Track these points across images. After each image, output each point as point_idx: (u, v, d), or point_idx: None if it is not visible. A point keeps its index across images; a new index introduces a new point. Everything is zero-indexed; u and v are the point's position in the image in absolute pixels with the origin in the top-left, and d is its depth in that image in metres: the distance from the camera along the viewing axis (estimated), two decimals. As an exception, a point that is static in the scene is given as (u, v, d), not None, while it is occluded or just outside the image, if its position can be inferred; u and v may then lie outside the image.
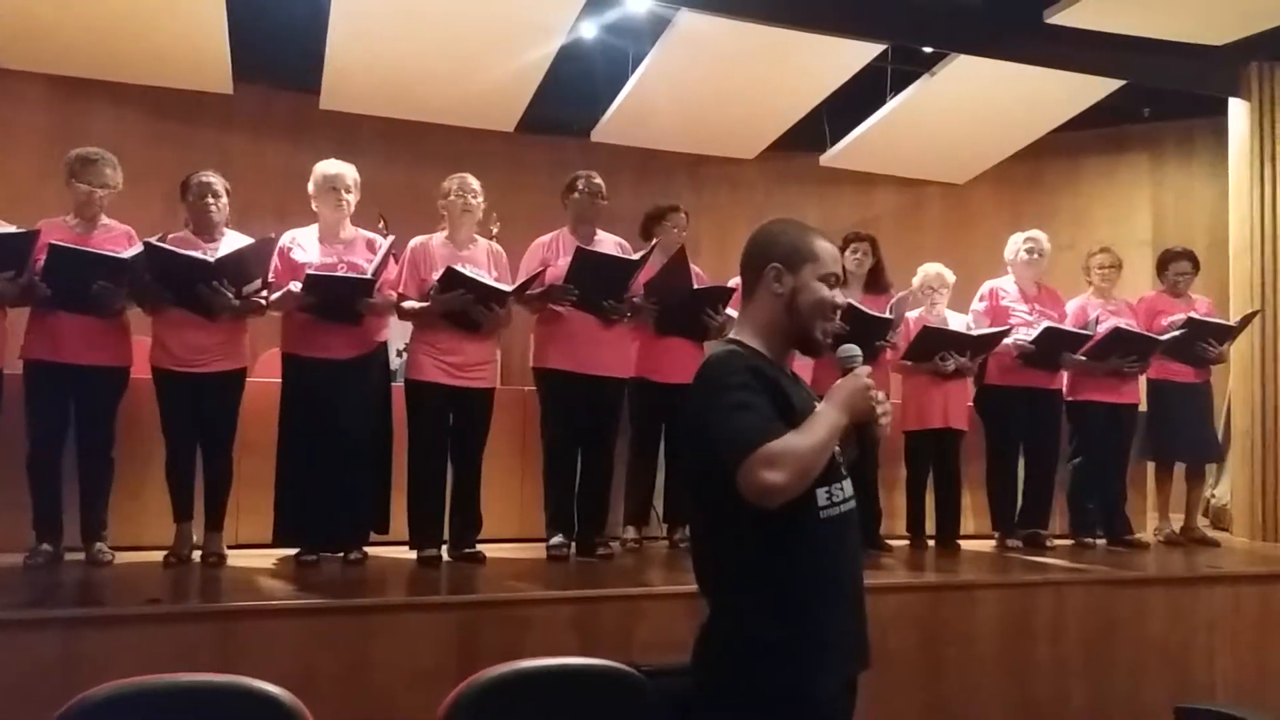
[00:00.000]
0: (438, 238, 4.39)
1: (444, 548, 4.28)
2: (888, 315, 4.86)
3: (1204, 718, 2.63)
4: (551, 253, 4.54)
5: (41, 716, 1.78)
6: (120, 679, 1.81)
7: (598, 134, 7.48)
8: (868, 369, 1.92)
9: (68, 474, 4.03)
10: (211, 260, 3.95)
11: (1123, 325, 5.26)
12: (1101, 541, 5.36)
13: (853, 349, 1.95)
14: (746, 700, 1.86)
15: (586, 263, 4.36)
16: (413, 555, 4.23)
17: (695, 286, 4.71)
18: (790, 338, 2.00)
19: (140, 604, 3.21)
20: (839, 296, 2.00)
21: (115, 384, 4.10)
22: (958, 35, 6.13)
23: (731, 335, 2.03)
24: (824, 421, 1.83)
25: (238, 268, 4.01)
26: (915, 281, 5.31)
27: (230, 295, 3.98)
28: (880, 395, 1.89)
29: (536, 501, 4.60)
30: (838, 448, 1.93)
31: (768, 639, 1.85)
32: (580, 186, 4.59)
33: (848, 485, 1.97)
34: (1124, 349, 5.23)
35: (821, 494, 1.88)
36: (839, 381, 1.90)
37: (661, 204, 5.02)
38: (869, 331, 4.74)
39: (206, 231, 4.19)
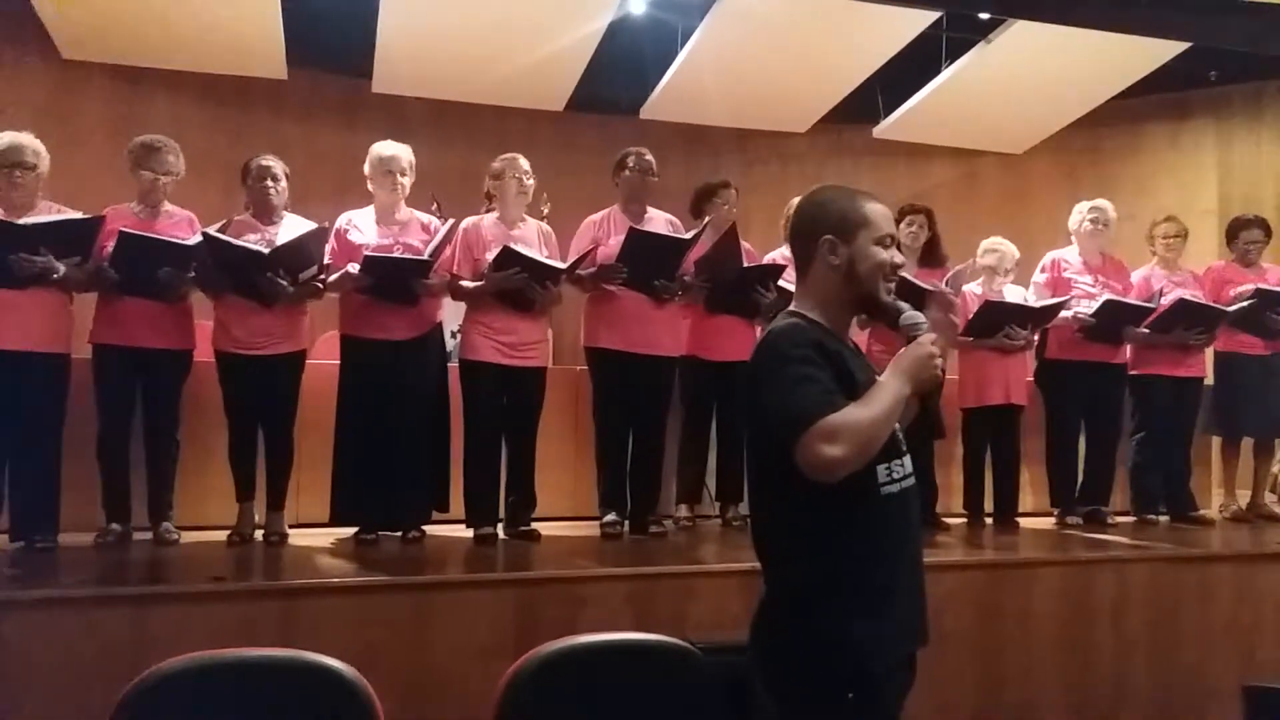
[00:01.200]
0: (489, 218, 4.41)
1: (499, 526, 4.32)
2: (943, 289, 4.79)
3: (1274, 696, 2.58)
4: (603, 231, 4.54)
5: (112, 690, 1.83)
6: (186, 654, 1.86)
7: (647, 111, 7.44)
8: (932, 335, 1.87)
9: (135, 456, 4.13)
10: (266, 251, 4.01)
11: (1187, 296, 5.12)
12: (1164, 518, 5.26)
13: (917, 316, 1.92)
14: (806, 677, 1.86)
15: (638, 242, 4.35)
16: (469, 533, 4.27)
17: (745, 264, 4.68)
18: (853, 306, 1.98)
19: (205, 582, 3.28)
20: (897, 256, 1.96)
21: (180, 367, 4.19)
22: (1014, 0, 5.98)
23: (791, 308, 2.00)
24: (887, 393, 1.80)
25: (292, 256, 4.07)
26: (980, 258, 5.20)
27: (285, 283, 4.04)
28: (941, 362, 1.86)
29: (590, 480, 4.63)
30: (897, 423, 1.90)
31: (827, 616, 1.84)
32: (630, 164, 4.58)
33: (908, 461, 1.94)
34: (1189, 321, 5.10)
35: (882, 470, 1.86)
36: (902, 350, 1.87)
37: (712, 181, 4.97)
38: (921, 306, 4.66)
39: (266, 215, 4.25)
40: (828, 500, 1.81)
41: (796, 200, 2.04)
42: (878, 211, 1.96)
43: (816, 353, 1.84)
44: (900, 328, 1.92)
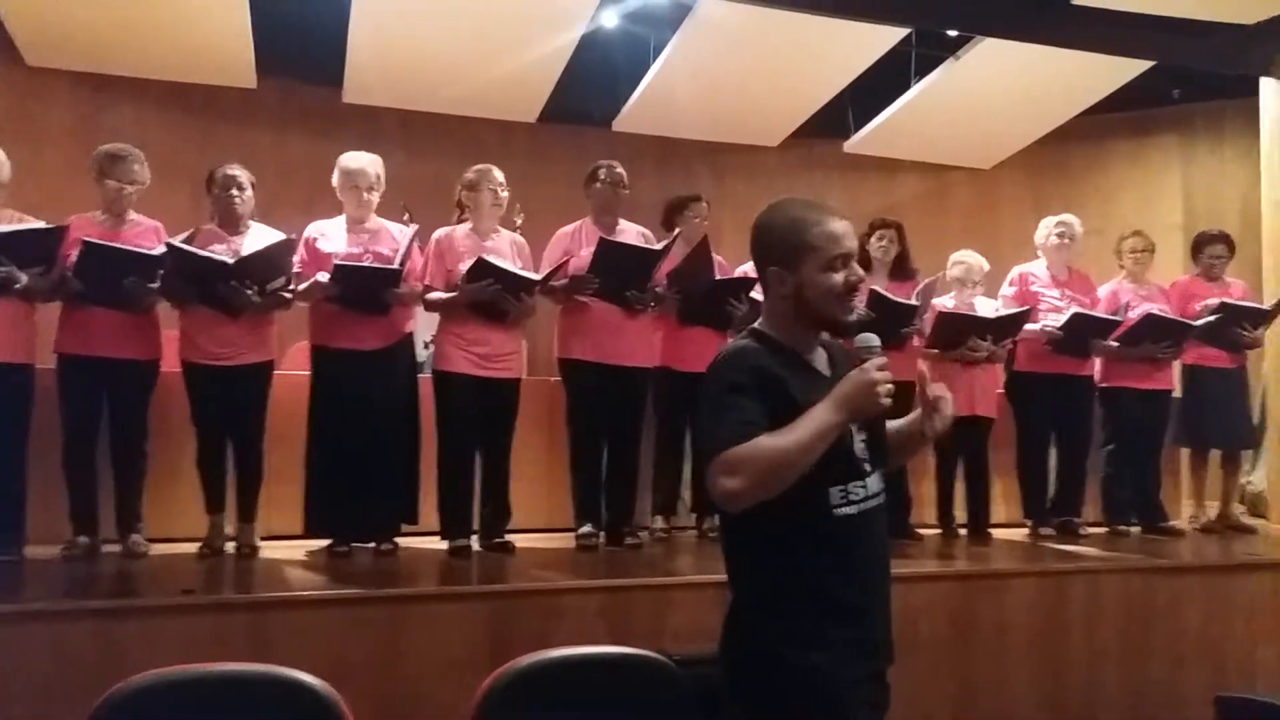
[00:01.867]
0: (462, 229, 4.39)
1: (474, 538, 4.29)
2: (913, 302, 4.82)
3: (1245, 707, 2.60)
4: (575, 243, 4.53)
5: (79, 706, 1.79)
6: (156, 669, 1.82)
7: (619, 123, 7.46)
8: (880, 361, 1.80)
9: (102, 467, 4.06)
10: (230, 261, 3.97)
11: (1155, 310, 5.19)
12: (1136, 529, 5.30)
13: (870, 338, 1.85)
14: (765, 693, 1.86)
15: (609, 253, 4.35)
16: (443, 545, 4.23)
17: (717, 276, 4.69)
18: (813, 326, 1.94)
19: (175, 595, 3.23)
20: (852, 275, 1.89)
21: (146, 377, 4.13)
22: (982, 18, 6.05)
23: (755, 325, 1.99)
24: (810, 421, 1.75)
25: (259, 267, 4.03)
26: (949, 270, 5.24)
27: (251, 294, 4.00)
28: (889, 388, 1.78)
29: (564, 491, 4.60)
30: (862, 443, 1.89)
31: (779, 634, 1.84)
32: (602, 176, 4.58)
33: (873, 482, 1.91)
34: (1156, 335, 5.17)
35: (835, 493, 1.85)
36: (847, 375, 1.81)
37: (683, 194, 4.99)
38: (894, 319, 4.70)
39: (232, 224, 4.21)
40: (776, 520, 1.81)
41: (765, 211, 2.00)
42: (825, 234, 1.88)
43: (753, 378, 1.82)
44: (853, 349, 1.86)
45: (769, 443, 1.73)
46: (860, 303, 4.78)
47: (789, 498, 1.76)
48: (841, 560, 1.86)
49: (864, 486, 1.89)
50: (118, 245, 3.96)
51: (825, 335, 1.99)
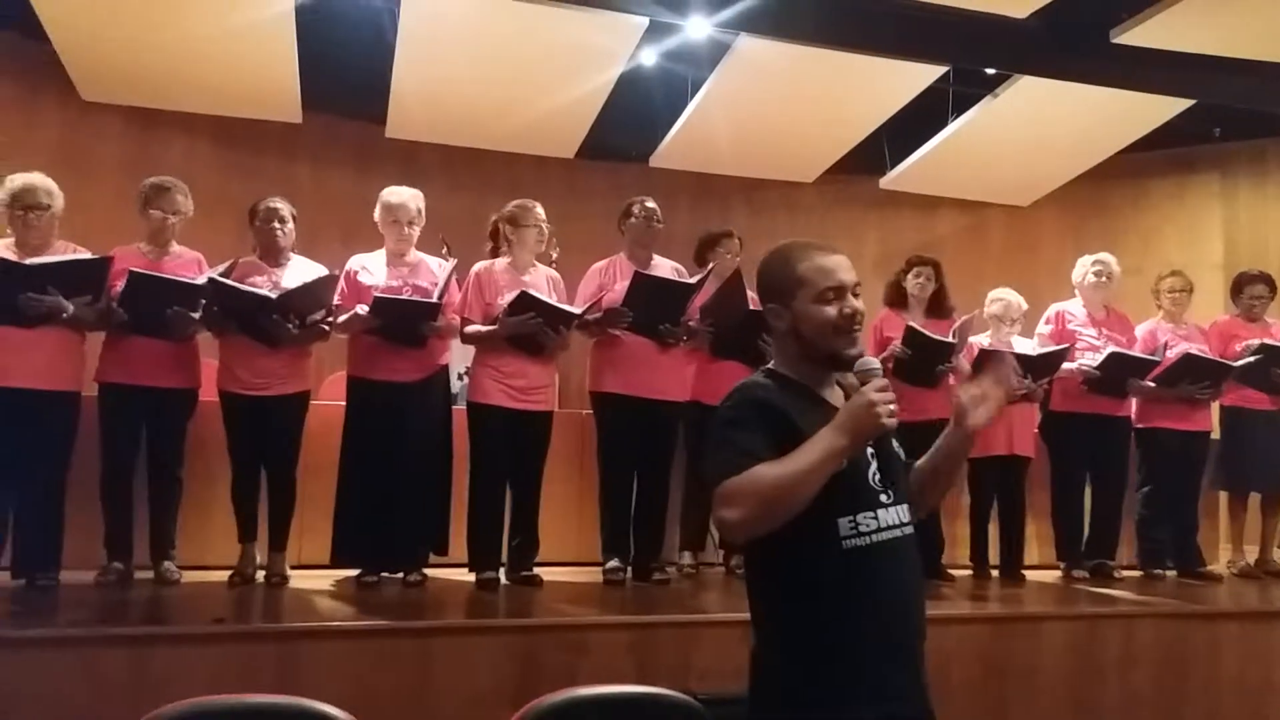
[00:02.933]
0: (500, 263, 4.44)
1: (502, 570, 4.30)
2: (950, 340, 4.80)
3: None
4: (609, 277, 4.57)
5: (109, 733, 1.82)
6: (186, 698, 1.84)
7: (656, 159, 7.51)
8: (880, 382, 1.79)
9: (138, 495, 4.13)
10: (273, 297, 4.05)
11: (1194, 351, 5.13)
12: (1172, 573, 5.21)
13: (870, 361, 1.85)
14: None
15: (643, 287, 4.38)
16: (471, 577, 4.25)
17: (750, 309, 4.70)
18: (818, 361, 1.93)
19: (206, 623, 3.27)
20: (846, 307, 1.88)
21: (185, 406, 4.20)
22: (1021, 56, 6.05)
23: (769, 365, 2.02)
24: (814, 446, 1.74)
25: (300, 301, 4.11)
26: (987, 308, 5.21)
27: (291, 327, 4.07)
28: (892, 408, 1.76)
29: (593, 525, 4.61)
30: (876, 474, 1.87)
31: (792, 671, 1.82)
32: (636, 212, 4.62)
33: (892, 513, 1.87)
34: (1195, 375, 5.10)
35: (844, 523, 1.81)
36: (846, 402, 1.82)
37: (715, 230, 5.03)
38: (932, 356, 4.68)
39: (273, 256, 4.29)
40: (789, 555, 1.81)
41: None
42: (815, 266, 1.90)
43: (754, 411, 1.83)
44: (855, 373, 1.85)
45: (767, 471, 1.73)
46: (897, 341, 4.78)
47: (799, 529, 1.75)
48: (851, 596, 1.81)
49: (875, 518, 1.84)
50: (162, 275, 4.05)
51: (841, 375, 1.96)
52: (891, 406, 1.76)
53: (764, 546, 1.81)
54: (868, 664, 1.81)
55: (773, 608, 1.89)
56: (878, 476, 1.88)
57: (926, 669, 1.91)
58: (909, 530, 1.90)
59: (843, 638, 1.81)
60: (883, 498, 1.88)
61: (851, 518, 1.82)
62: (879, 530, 1.84)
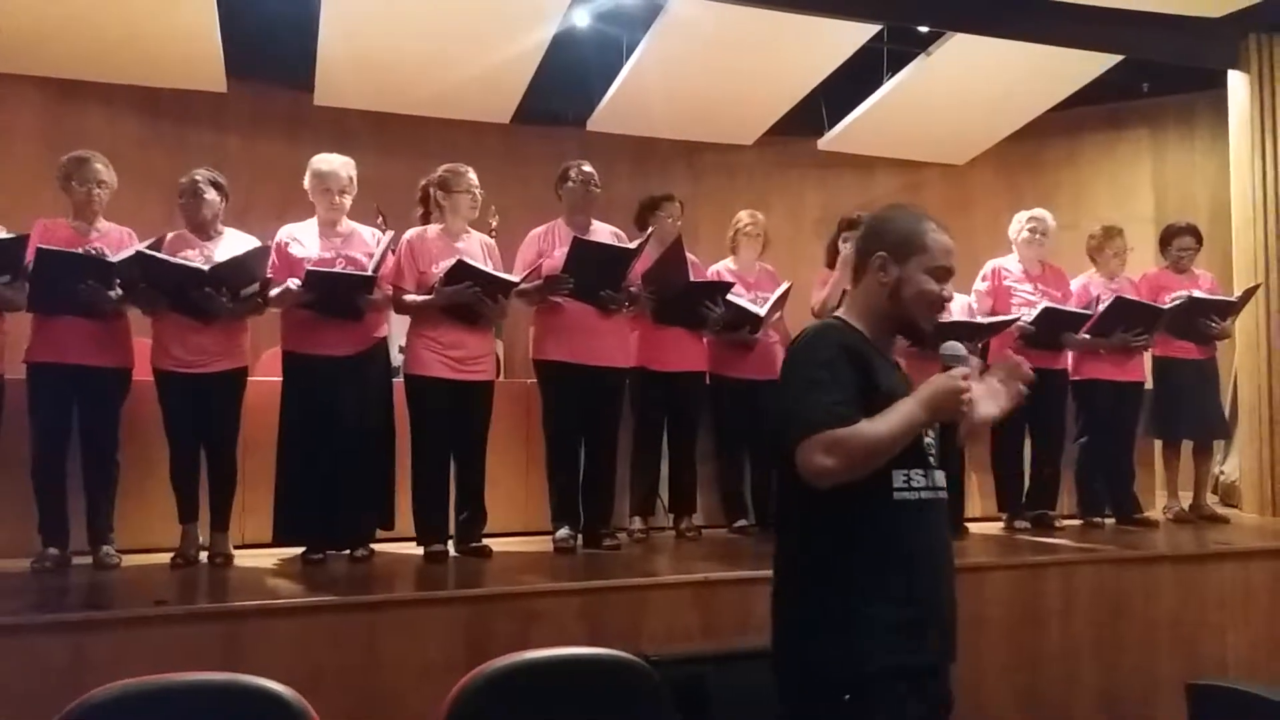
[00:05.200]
0: (433, 229, 4.36)
1: (450, 543, 4.27)
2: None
3: (1216, 694, 2.62)
4: (547, 244, 4.52)
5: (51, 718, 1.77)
6: (122, 680, 1.80)
7: (594, 123, 7.45)
8: (966, 370, 1.89)
9: (73, 478, 4.02)
10: (205, 269, 3.94)
11: (1126, 295, 5.22)
12: (1110, 521, 5.34)
13: (957, 346, 1.93)
14: (803, 672, 1.91)
15: (583, 253, 4.34)
16: (419, 551, 4.22)
17: (692, 278, 4.70)
18: (894, 325, 2.02)
19: (148, 606, 3.20)
20: (947, 291, 1.99)
21: (118, 386, 4.09)
22: (953, 13, 6.09)
23: (838, 313, 2.06)
24: (899, 414, 1.83)
25: (232, 273, 4.00)
26: None
27: (224, 300, 3.97)
28: (969, 397, 1.87)
29: (541, 494, 4.60)
30: (929, 437, 1.94)
31: (824, 608, 1.89)
32: (573, 176, 4.57)
33: (937, 475, 1.97)
34: (1128, 321, 5.19)
35: (899, 475, 1.89)
36: (932, 377, 1.89)
37: (655, 193, 5.01)
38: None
39: (202, 230, 4.18)
40: (839, 499, 1.85)
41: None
42: (939, 243, 1.99)
43: (841, 355, 1.89)
44: (940, 355, 1.93)
45: (869, 429, 1.81)
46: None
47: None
48: (897, 546, 1.90)
49: (925, 476, 1.93)
50: (71, 251, 3.91)
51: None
52: (970, 396, 1.87)
53: (823, 493, 1.85)
54: (906, 612, 1.87)
55: (813, 554, 1.93)
56: (932, 439, 1.96)
57: (955, 635, 1.98)
58: (944, 496, 2.00)
59: (877, 582, 1.87)
60: (931, 459, 1.97)
61: (906, 472, 1.90)
62: (926, 489, 1.94)
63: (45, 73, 6.38)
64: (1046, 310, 5.08)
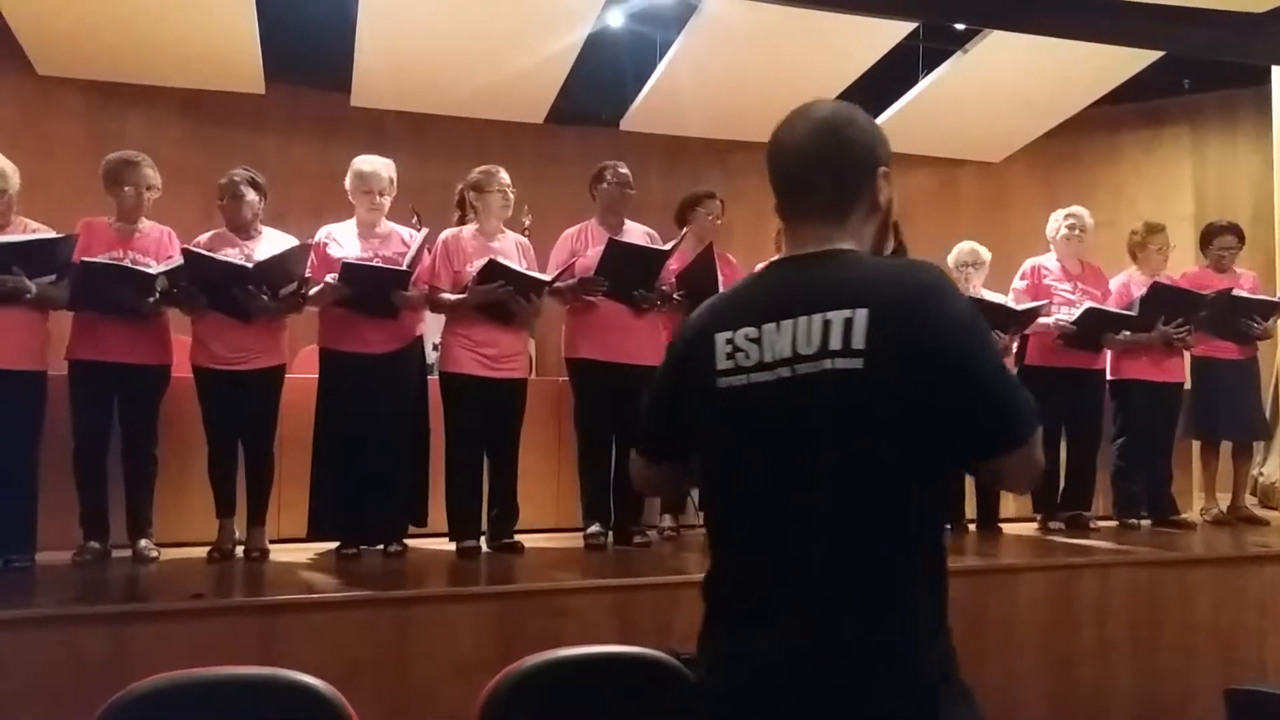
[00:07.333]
0: (468, 229, 4.40)
1: (482, 539, 4.31)
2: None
3: (1256, 699, 2.58)
4: (581, 244, 4.54)
5: (91, 711, 1.81)
6: (159, 674, 1.83)
7: (627, 123, 7.47)
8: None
9: (113, 473, 4.09)
10: (249, 266, 4.00)
11: (1162, 280, 5.14)
12: (1146, 522, 5.28)
13: None
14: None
15: (617, 253, 4.36)
16: (451, 547, 4.25)
17: (721, 280, 4.69)
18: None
19: (185, 599, 3.25)
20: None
21: (157, 382, 4.15)
22: (990, 10, 6.02)
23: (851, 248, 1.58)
24: None
25: (274, 272, 4.06)
26: (949, 260, 5.23)
27: (265, 298, 4.03)
28: None
29: (573, 492, 4.62)
30: None
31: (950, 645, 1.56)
32: (607, 177, 4.59)
33: None
34: (1169, 311, 5.10)
35: None
36: None
37: (697, 191, 5.01)
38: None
39: (240, 229, 4.23)
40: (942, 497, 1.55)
41: (848, 112, 1.62)
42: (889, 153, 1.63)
43: None
44: None
45: None
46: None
47: None
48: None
49: None
50: (113, 263, 3.99)
51: None
52: None
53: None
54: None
55: (941, 581, 1.53)
56: None
57: None
58: None
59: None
60: None
61: None
62: None
63: (87, 76, 6.49)
64: (1090, 310, 5.02)
